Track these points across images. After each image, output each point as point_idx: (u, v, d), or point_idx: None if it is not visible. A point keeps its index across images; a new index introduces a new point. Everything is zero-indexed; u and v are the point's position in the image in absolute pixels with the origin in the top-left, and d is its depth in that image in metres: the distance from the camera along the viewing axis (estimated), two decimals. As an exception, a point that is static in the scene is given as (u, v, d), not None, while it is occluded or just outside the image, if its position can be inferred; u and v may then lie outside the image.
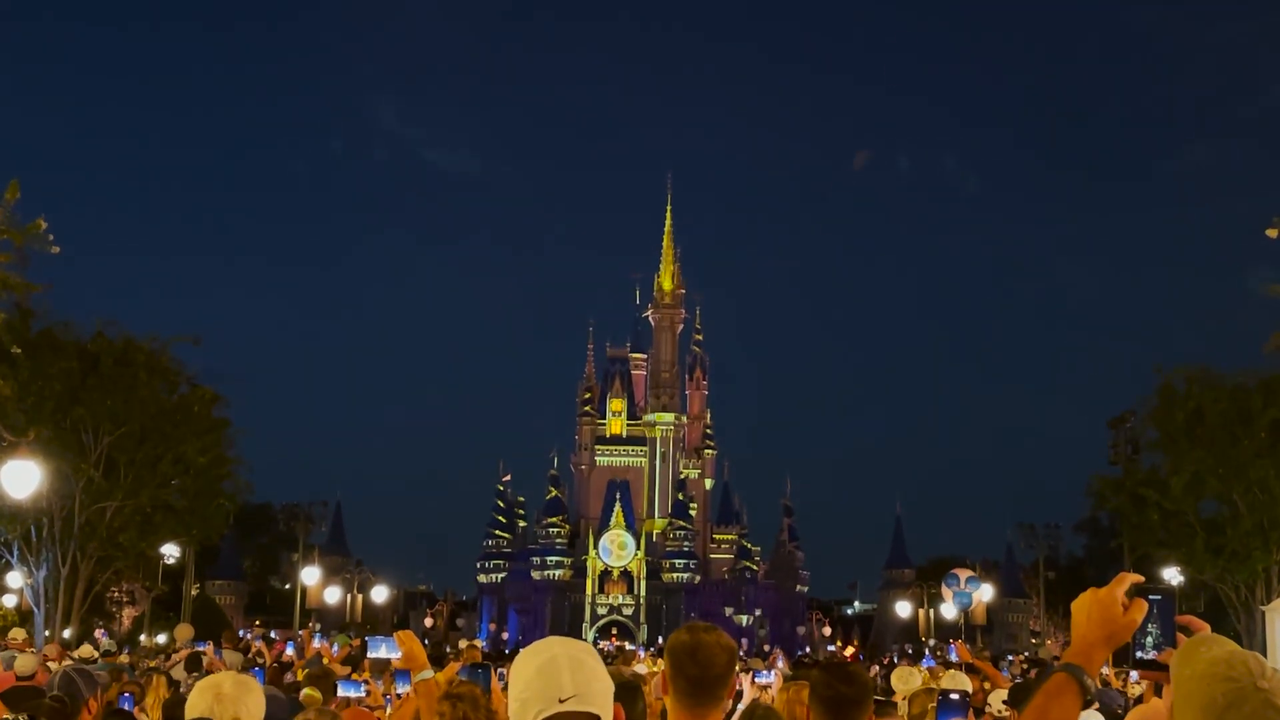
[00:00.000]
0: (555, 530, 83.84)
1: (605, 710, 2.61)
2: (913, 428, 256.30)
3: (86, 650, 20.37)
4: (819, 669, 4.28)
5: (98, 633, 36.03)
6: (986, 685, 10.55)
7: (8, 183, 19.09)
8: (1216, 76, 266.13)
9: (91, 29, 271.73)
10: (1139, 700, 11.33)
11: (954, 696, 6.44)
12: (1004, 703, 8.77)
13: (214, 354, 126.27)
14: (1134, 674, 17.31)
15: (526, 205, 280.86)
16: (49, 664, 14.57)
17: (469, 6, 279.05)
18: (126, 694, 8.69)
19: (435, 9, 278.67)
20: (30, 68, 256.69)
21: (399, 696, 9.40)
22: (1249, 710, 2.18)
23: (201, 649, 19.21)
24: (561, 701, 2.50)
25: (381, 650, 11.99)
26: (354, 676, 10.95)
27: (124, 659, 19.79)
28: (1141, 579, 2.58)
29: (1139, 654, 14.23)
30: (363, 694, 9.63)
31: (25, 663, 10.99)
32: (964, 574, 36.19)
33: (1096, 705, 7.24)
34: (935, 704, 6.84)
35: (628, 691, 4.86)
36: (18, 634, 23.47)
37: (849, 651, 41.73)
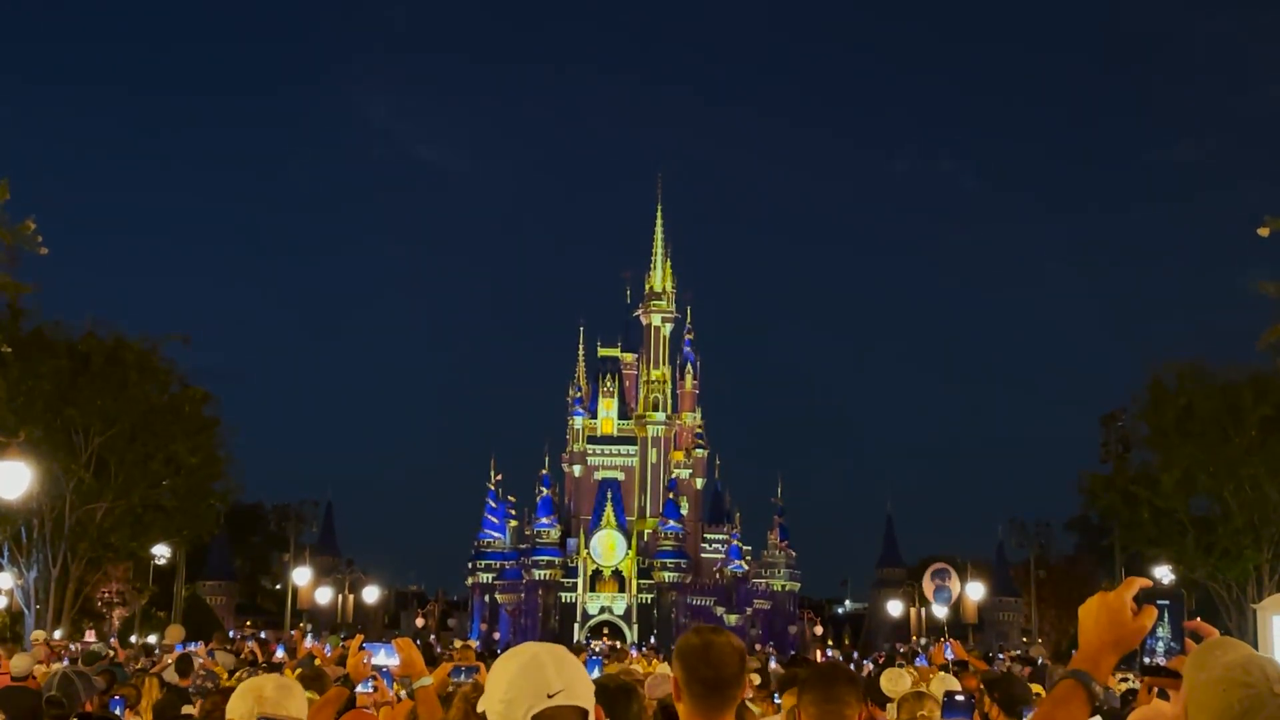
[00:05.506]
0: (546, 530, 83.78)
1: (591, 705, 2.64)
2: (903, 425, 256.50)
3: (99, 647, 20.26)
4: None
5: (89, 634, 35.92)
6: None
7: None
8: (1206, 73, 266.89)
9: (83, 17, 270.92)
10: (1124, 696, 11.30)
11: (959, 698, 6.46)
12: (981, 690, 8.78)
13: (204, 352, 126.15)
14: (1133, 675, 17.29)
15: (517, 203, 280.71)
16: (37, 665, 14.50)
17: (461, 3, 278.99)
18: (118, 698, 8.63)
19: (428, 6, 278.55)
20: (20, 49, 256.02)
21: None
22: (1265, 716, 2.16)
23: (193, 649, 19.13)
24: (550, 696, 2.54)
25: (380, 656, 11.93)
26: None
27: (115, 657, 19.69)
28: (1150, 583, 2.55)
29: (1146, 659, 14.26)
30: (370, 690, 9.71)
31: (21, 663, 10.91)
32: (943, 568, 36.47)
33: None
34: (927, 710, 6.84)
35: (624, 693, 4.84)
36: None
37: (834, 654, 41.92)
